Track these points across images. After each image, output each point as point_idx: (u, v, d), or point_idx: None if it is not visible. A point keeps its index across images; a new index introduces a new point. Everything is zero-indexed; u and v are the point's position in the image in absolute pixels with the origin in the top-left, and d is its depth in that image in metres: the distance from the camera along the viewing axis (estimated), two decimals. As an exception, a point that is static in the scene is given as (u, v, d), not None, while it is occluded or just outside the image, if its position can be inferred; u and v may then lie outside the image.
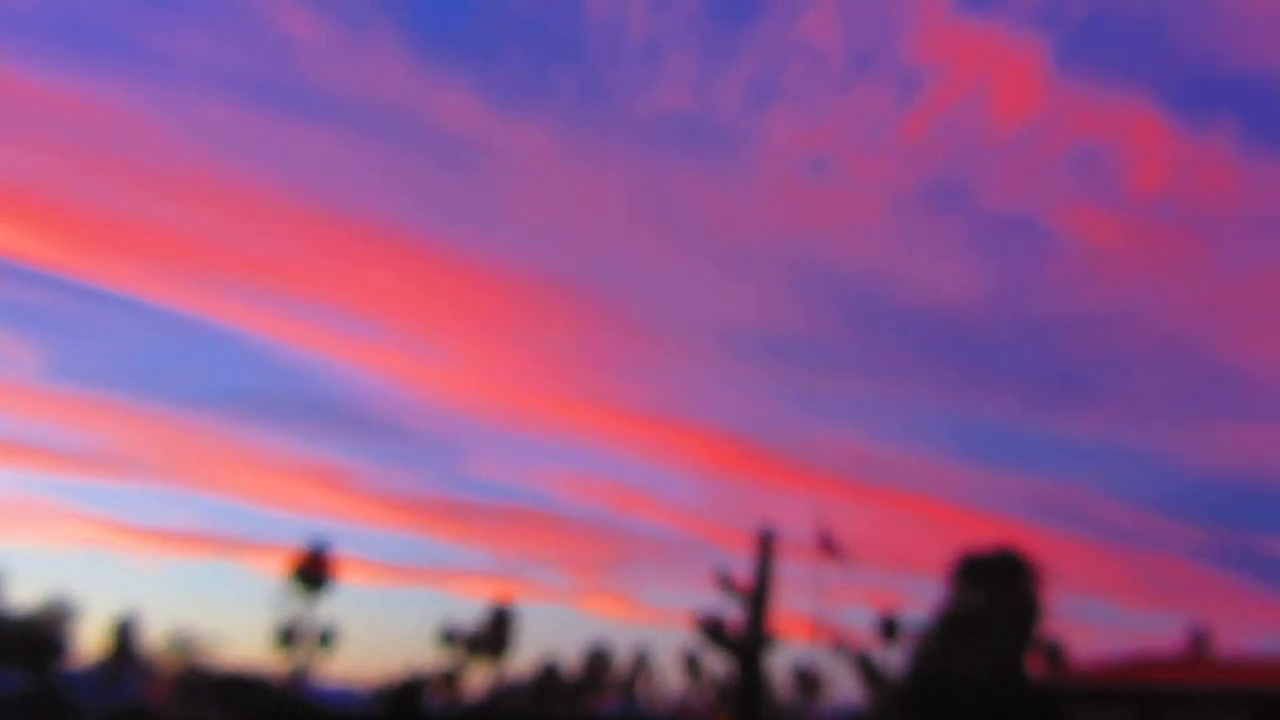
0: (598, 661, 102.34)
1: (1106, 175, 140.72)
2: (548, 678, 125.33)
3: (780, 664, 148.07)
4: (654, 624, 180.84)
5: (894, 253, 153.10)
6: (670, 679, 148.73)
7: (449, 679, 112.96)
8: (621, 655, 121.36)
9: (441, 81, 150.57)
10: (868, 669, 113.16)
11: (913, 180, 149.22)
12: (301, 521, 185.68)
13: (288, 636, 76.46)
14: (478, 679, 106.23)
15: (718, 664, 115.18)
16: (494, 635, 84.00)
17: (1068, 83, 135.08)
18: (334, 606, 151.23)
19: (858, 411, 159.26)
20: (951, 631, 32.16)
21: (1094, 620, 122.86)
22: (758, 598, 15.67)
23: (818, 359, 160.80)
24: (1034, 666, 53.79)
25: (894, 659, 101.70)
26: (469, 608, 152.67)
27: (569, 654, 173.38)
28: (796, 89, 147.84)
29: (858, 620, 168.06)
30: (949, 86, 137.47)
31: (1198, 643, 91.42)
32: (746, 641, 14.52)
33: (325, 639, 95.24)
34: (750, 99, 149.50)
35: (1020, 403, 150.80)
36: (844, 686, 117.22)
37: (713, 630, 14.38)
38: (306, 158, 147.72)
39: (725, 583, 15.83)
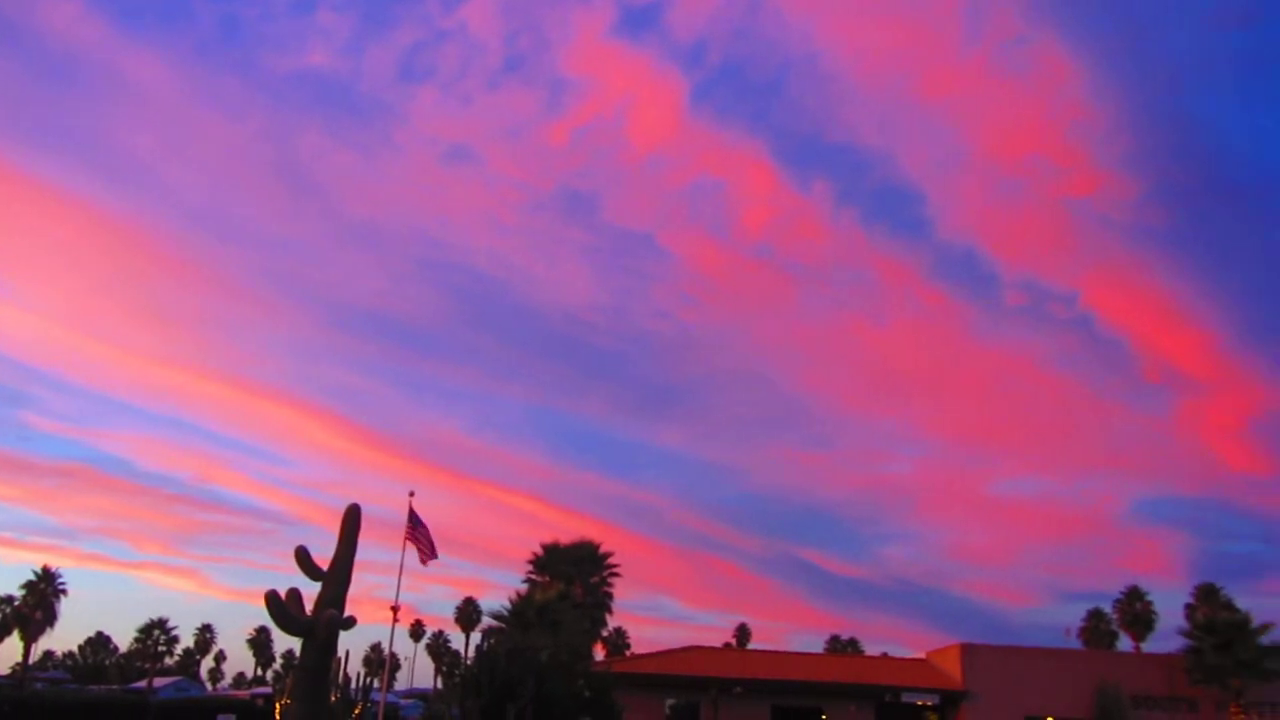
0: (156, 637, 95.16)
1: (719, 210, 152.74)
2: (96, 653, 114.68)
3: (356, 645, 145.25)
4: (227, 599, 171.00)
5: (519, 251, 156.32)
6: (239, 658, 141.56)
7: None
8: (186, 631, 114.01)
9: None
10: (442, 652, 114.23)
11: (547, 184, 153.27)
12: None
13: None
14: (10, 653, 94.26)
15: (290, 644, 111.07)
16: (35, 606, 75.51)
17: (698, 120, 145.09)
18: None
19: (463, 402, 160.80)
20: (524, 617, 33.49)
21: (660, 614, 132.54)
22: (336, 577, 15.52)
23: (430, 346, 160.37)
24: (599, 653, 57.13)
25: (471, 643, 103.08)
26: (8, 574, 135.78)
27: (126, 628, 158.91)
28: (448, 74, 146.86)
29: (441, 604, 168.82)
30: (594, 101, 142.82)
31: (741, 637, 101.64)
32: (317, 621, 14.36)
33: None
34: (400, 74, 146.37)
35: (616, 409, 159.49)
36: (420, 668, 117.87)
37: (282, 608, 14.07)
38: None
39: (303, 560, 15.52)
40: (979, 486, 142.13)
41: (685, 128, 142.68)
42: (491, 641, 23.51)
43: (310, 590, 16.21)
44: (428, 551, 21.46)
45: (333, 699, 18.13)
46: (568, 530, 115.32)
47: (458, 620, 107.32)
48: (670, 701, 39.97)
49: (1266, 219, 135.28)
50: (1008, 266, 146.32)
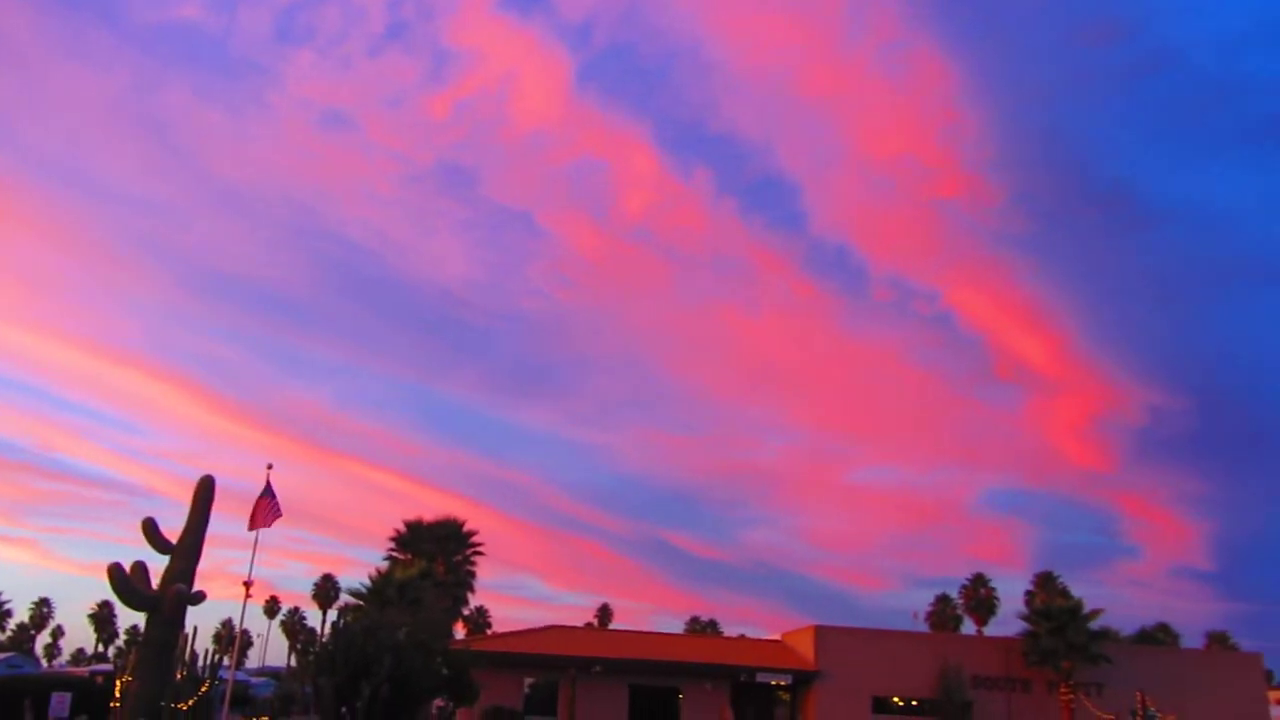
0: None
1: (600, 192, 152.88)
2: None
3: (207, 621, 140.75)
4: (68, 572, 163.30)
5: (394, 223, 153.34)
6: (80, 634, 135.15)
7: None
8: (21, 605, 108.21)
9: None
10: (298, 629, 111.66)
11: (426, 156, 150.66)
12: None
13: None
14: None
15: (135, 619, 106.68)
16: None
17: (582, 101, 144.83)
18: None
19: (331, 375, 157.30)
20: (384, 595, 32.97)
21: (523, 593, 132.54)
22: (185, 551, 15.00)
23: (298, 316, 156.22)
24: (459, 632, 56.74)
25: (329, 621, 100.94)
26: None
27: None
28: (327, 37, 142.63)
29: (299, 580, 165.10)
30: (478, 74, 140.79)
31: (603, 617, 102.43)
32: (163, 596, 13.85)
33: None
34: (276, 34, 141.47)
35: (487, 387, 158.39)
36: (275, 645, 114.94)
37: (126, 582, 13.52)
38: None
39: (151, 532, 14.95)
40: (839, 474, 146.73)
41: (569, 107, 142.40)
42: (348, 619, 23.10)
43: (158, 564, 15.66)
44: (261, 518, 20.88)
45: (178, 676, 17.53)
46: (433, 508, 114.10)
47: (315, 597, 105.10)
48: (530, 680, 39.96)
49: (1121, 229, 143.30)
50: (877, 262, 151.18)
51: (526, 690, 39.75)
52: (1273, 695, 51.21)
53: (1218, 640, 79.28)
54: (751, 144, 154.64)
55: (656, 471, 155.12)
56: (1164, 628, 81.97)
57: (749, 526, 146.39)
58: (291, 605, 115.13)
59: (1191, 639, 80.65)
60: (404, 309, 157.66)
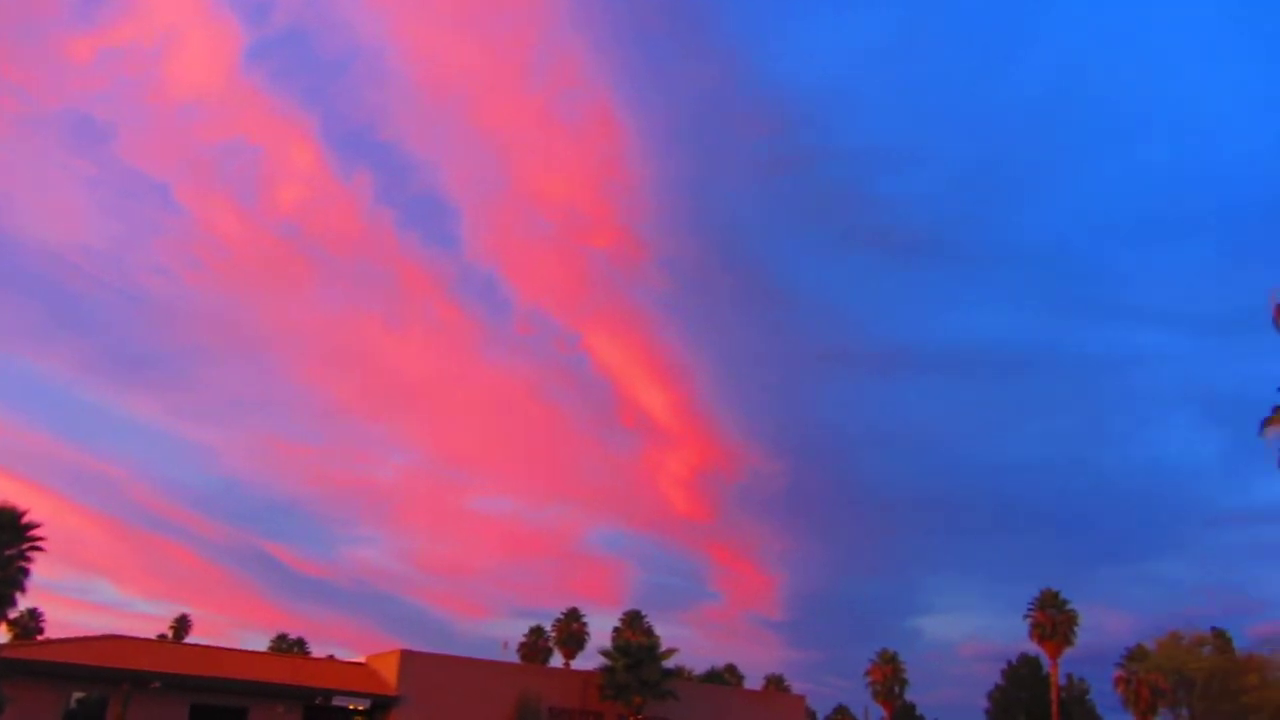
0: None
1: (250, 177, 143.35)
2: None
3: None
4: None
5: (11, 174, 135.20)
6: None
7: None
8: None
9: None
10: None
11: (53, 100, 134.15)
12: None
13: None
14: None
15: None
16: None
17: (248, 79, 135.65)
18: None
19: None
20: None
21: (92, 598, 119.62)
22: None
23: None
24: (3, 635, 50.24)
25: None
26: None
27: None
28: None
29: None
30: (134, 25, 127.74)
31: (179, 629, 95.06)
32: None
33: None
34: None
35: (86, 365, 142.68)
36: None
37: None
38: None
39: None
40: (456, 500, 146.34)
41: (232, 83, 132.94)
42: None
43: None
44: None
45: None
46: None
47: None
48: (77, 695, 36.20)
49: (749, 303, 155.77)
50: (523, 297, 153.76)
51: (72, 705, 35.99)
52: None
53: (774, 682, 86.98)
54: (418, 159, 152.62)
55: (265, 477, 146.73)
56: (731, 669, 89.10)
57: (355, 544, 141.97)
58: None
59: (754, 681, 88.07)
60: (11, 275, 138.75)
